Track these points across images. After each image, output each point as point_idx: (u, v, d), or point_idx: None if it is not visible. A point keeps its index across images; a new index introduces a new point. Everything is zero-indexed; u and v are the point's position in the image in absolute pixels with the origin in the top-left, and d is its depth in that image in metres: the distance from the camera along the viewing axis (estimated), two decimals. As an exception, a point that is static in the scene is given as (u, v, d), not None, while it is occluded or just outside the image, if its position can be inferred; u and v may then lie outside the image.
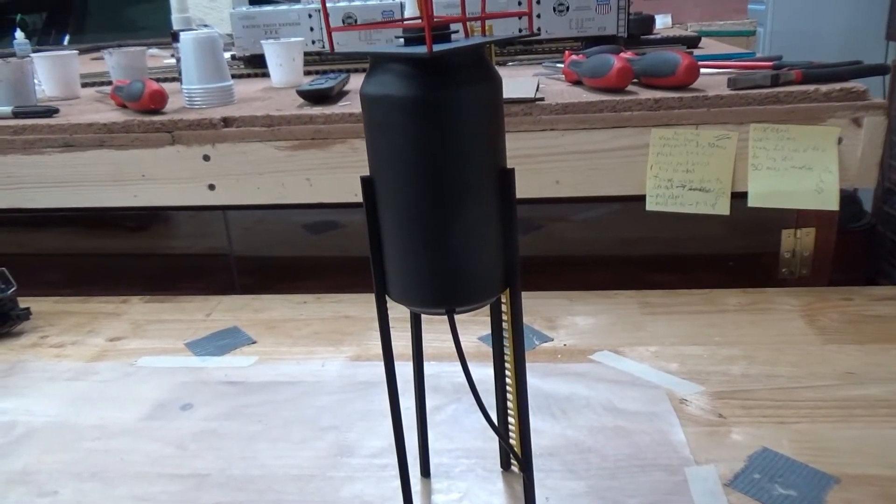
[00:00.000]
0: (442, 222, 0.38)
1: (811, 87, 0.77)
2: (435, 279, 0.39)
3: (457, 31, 0.38)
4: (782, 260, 0.86)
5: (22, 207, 0.91)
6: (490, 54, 0.43)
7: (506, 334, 0.48)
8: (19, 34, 1.73)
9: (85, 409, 0.66)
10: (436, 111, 0.36)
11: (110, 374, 0.72)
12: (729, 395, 0.62)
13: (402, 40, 0.38)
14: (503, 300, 0.47)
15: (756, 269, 0.88)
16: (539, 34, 1.16)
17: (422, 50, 0.35)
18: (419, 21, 0.36)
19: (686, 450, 0.55)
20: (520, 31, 1.13)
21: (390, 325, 0.43)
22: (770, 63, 0.86)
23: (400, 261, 0.40)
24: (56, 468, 0.58)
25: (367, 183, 0.39)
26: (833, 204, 0.77)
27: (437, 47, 0.35)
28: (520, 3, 1.13)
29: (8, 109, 0.92)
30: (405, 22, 0.39)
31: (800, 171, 0.77)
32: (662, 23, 1.95)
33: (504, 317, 0.48)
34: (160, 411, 0.65)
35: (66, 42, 2.69)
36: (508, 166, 0.40)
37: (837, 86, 0.77)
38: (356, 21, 1.16)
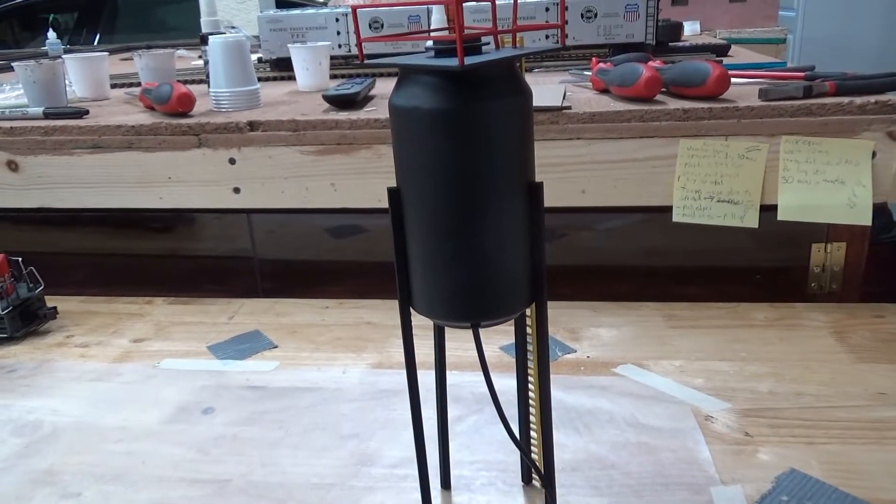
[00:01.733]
0: (469, 236, 0.37)
1: (845, 100, 0.75)
2: (461, 293, 0.39)
3: (487, 44, 0.38)
4: (812, 274, 0.85)
5: (51, 207, 0.93)
6: (521, 66, 0.42)
7: (530, 347, 0.48)
8: (52, 34, 1.76)
9: (108, 410, 0.67)
10: (466, 124, 0.35)
11: (133, 375, 0.73)
12: (756, 413, 0.60)
13: (431, 51, 0.37)
14: (528, 312, 0.46)
15: (784, 283, 0.86)
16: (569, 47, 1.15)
17: (453, 62, 0.34)
18: (449, 33, 0.35)
19: (711, 468, 0.54)
20: (547, 37, 1.12)
21: (413, 331, 0.42)
22: (802, 74, 0.85)
23: (425, 273, 0.39)
24: (80, 469, 0.58)
25: (393, 194, 0.39)
26: (866, 219, 0.75)
27: (468, 60, 0.35)
28: (547, 10, 1.13)
29: (39, 110, 0.93)
30: (435, 33, 0.38)
31: (832, 184, 0.75)
32: (691, 30, 1.93)
33: (528, 329, 0.47)
34: (182, 415, 0.65)
35: (97, 41, 2.73)
36: (536, 178, 0.40)
37: (872, 98, 0.75)
38: (383, 25, 1.16)
